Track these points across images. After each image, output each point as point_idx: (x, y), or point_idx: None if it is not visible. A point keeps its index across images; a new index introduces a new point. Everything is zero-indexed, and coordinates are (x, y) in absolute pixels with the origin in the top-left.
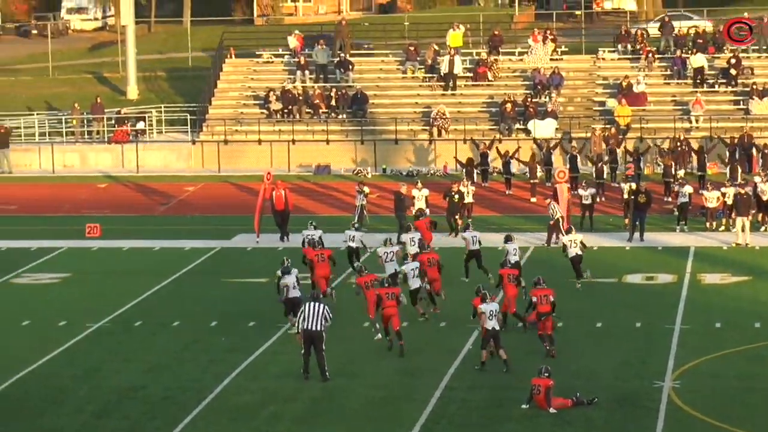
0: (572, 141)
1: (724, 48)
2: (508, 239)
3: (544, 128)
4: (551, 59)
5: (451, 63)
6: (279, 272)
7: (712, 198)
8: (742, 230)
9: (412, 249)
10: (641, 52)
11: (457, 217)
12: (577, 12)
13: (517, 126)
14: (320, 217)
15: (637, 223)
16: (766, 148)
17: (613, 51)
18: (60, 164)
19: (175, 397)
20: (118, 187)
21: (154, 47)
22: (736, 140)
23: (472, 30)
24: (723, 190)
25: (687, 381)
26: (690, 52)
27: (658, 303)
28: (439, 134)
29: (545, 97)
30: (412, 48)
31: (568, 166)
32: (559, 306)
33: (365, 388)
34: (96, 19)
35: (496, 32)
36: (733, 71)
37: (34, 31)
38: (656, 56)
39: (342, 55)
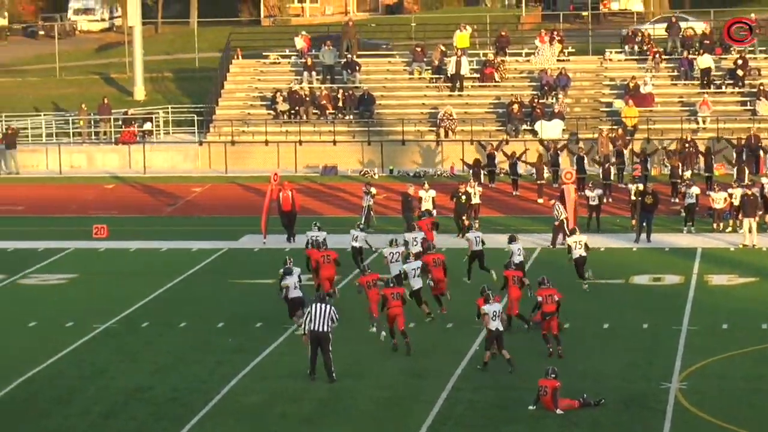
0: (579, 142)
1: (731, 49)
2: (512, 239)
3: (551, 129)
4: (558, 60)
5: (458, 64)
6: (281, 271)
7: (719, 199)
8: (749, 231)
9: (415, 248)
10: (648, 53)
11: (464, 217)
12: (584, 13)
13: (524, 127)
14: (327, 218)
15: (644, 224)
16: None
17: (620, 52)
18: (67, 165)
19: (182, 398)
20: (125, 187)
21: (161, 48)
22: (743, 141)
23: (479, 31)
24: (730, 191)
25: (694, 382)
26: (697, 53)
27: (665, 304)
28: (446, 135)
29: (552, 98)
30: (419, 49)
31: (575, 167)
32: (566, 307)
33: (372, 389)
34: (103, 20)
35: (503, 33)
36: (740, 72)
37: (41, 32)
38: (663, 57)
39: (349, 56)
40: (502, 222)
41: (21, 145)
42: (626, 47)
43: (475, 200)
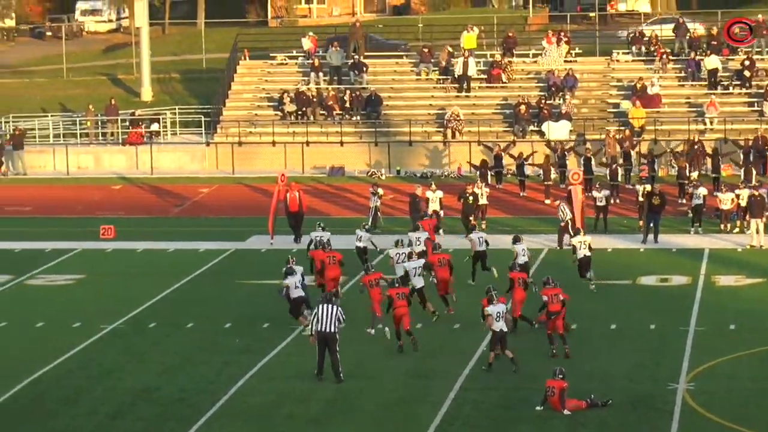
0: (586, 143)
1: (738, 50)
2: (516, 240)
3: (558, 130)
4: (565, 61)
5: (465, 65)
6: (284, 270)
7: (726, 200)
8: (757, 232)
9: (418, 248)
10: (655, 54)
11: (471, 218)
12: (591, 14)
13: (531, 128)
14: (334, 218)
15: (652, 225)
16: None
17: (627, 53)
18: (74, 166)
19: (190, 399)
20: (132, 188)
21: (168, 49)
22: (750, 142)
23: (486, 32)
24: (737, 191)
25: (701, 383)
26: (704, 53)
27: (673, 305)
28: (453, 136)
29: (559, 99)
30: (426, 50)
31: (582, 168)
32: (573, 308)
33: (379, 390)
34: (110, 20)
35: (510, 34)
36: (747, 73)
37: (49, 33)
38: (670, 58)
39: (356, 56)
40: (509, 223)
41: (28, 146)
42: (633, 48)
43: (483, 201)
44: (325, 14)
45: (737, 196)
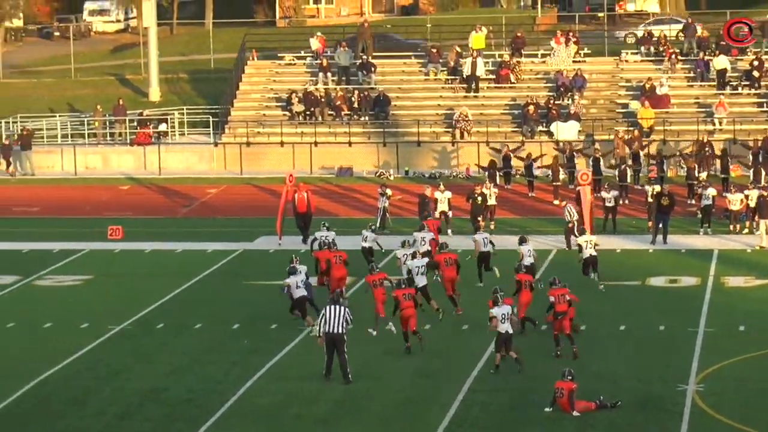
0: (595, 143)
1: (747, 50)
2: (522, 241)
3: (566, 130)
4: (574, 61)
5: (474, 65)
6: (287, 270)
7: (735, 200)
8: (766, 233)
9: (423, 248)
10: (664, 54)
11: (479, 219)
12: (600, 14)
13: (540, 128)
14: (342, 219)
15: (661, 225)
16: None
17: (636, 53)
18: (82, 166)
19: (198, 399)
20: (140, 189)
21: (176, 49)
22: (759, 143)
23: (495, 32)
24: (746, 192)
25: (711, 384)
26: (713, 54)
27: (682, 306)
28: (462, 136)
29: (568, 100)
30: (434, 50)
31: (591, 168)
32: (582, 308)
33: (387, 391)
34: (118, 21)
35: (519, 34)
36: (756, 73)
37: (57, 33)
38: (679, 58)
39: (364, 57)
40: (517, 223)
41: (36, 146)
42: (642, 48)
43: (491, 201)
44: (333, 14)
45: (746, 197)
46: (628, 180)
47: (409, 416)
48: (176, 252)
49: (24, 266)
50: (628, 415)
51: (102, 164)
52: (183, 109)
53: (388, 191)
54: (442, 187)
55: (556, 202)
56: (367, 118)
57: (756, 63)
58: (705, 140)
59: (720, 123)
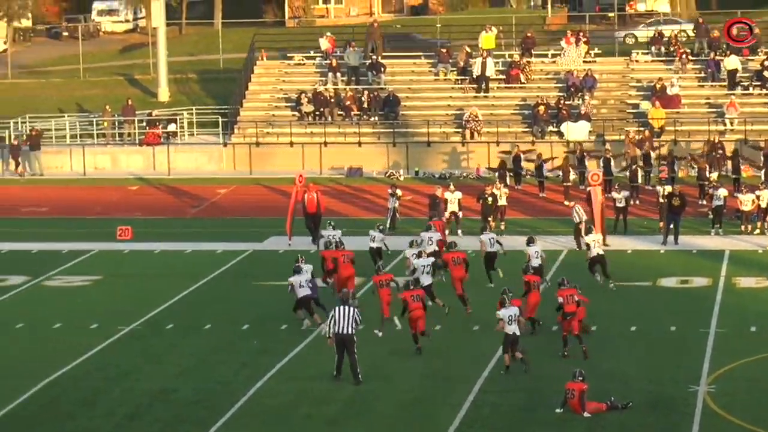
0: (606, 144)
1: (758, 50)
2: (530, 241)
3: (577, 131)
4: (584, 61)
5: (484, 65)
6: (293, 269)
7: (746, 201)
8: None
9: (429, 248)
10: (675, 54)
11: (490, 219)
12: (610, 14)
13: (550, 129)
14: (351, 219)
15: (672, 226)
16: None
17: (647, 53)
18: (91, 166)
19: (207, 400)
20: (149, 189)
21: (185, 49)
22: None
23: (505, 32)
24: (758, 193)
25: (722, 385)
26: (724, 54)
27: (693, 306)
28: (472, 137)
29: (578, 100)
30: (444, 50)
31: (602, 169)
32: (593, 309)
33: (397, 392)
34: (127, 21)
35: (529, 34)
36: (766, 74)
37: (65, 33)
38: (690, 58)
39: (374, 57)
40: (528, 224)
41: (45, 147)
42: (653, 48)
43: (502, 202)
44: (342, 14)
45: (758, 197)
46: (639, 180)
47: (419, 417)
48: (186, 252)
49: (33, 267)
50: (639, 416)
51: (111, 164)
52: (192, 109)
53: (398, 192)
54: (452, 187)
55: (567, 202)
56: (376, 118)
57: (767, 63)
58: (716, 141)
59: (731, 123)
